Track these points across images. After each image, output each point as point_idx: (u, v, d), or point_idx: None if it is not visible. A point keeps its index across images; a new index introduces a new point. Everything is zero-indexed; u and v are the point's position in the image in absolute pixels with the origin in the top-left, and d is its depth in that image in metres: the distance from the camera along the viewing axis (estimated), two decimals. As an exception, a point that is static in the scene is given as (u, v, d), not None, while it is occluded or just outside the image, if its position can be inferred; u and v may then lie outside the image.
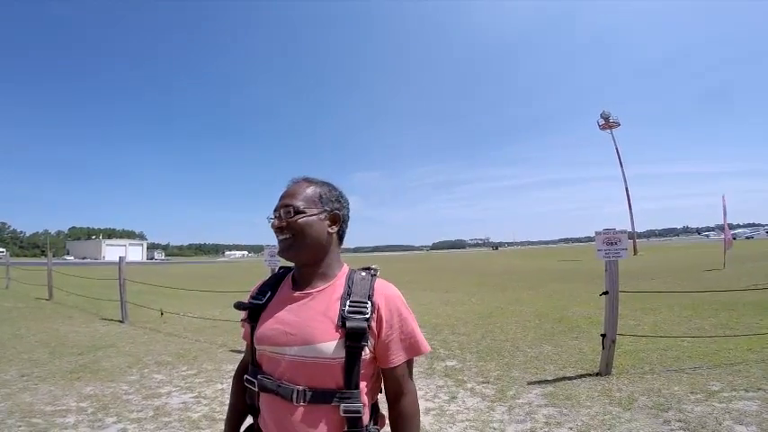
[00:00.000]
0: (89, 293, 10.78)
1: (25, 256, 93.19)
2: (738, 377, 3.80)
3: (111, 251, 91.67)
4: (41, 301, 10.68)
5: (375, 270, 1.10)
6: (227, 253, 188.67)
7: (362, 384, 0.99)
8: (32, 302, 10.41)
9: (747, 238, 57.04)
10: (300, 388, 0.95)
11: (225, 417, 1.21)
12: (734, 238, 19.83)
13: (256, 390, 1.03)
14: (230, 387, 1.22)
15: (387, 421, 1.09)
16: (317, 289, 1.04)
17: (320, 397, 0.95)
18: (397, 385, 1.04)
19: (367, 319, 0.97)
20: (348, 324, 0.96)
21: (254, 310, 1.08)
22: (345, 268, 1.10)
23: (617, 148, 38.98)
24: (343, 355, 0.96)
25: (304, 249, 1.04)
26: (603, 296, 4.27)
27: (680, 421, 2.99)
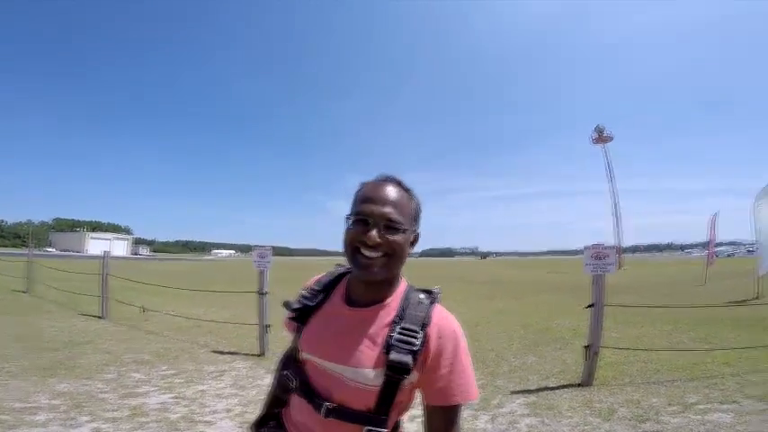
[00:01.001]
0: (69, 287, 10.53)
1: (5, 246, 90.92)
2: (714, 390, 3.88)
3: (95, 245, 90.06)
4: (18, 293, 10.42)
5: (436, 294, 0.99)
6: (214, 251, 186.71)
7: (392, 411, 0.93)
8: (8, 295, 10.14)
9: (729, 255, 58.26)
10: (330, 405, 0.92)
11: (265, 398, 1.17)
12: (716, 256, 20.27)
13: (292, 387, 1.01)
14: (273, 372, 1.17)
15: None
16: (372, 308, 0.96)
17: (349, 417, 0.91)
18: (437, 426, 0.93)
19: (414, 352, 0.88)
20: (391, 356, 0.88)
21: (304, 311, 1.03)
22: (403, 285, 1.01)
23: (608, 163, 39.62)
24: (381, 383, 0.89)
25: (389, 271, 0.94)
26: (588, 308, 4.32)
27: (658, 433, 3.02)
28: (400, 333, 0.90)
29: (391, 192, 0.94)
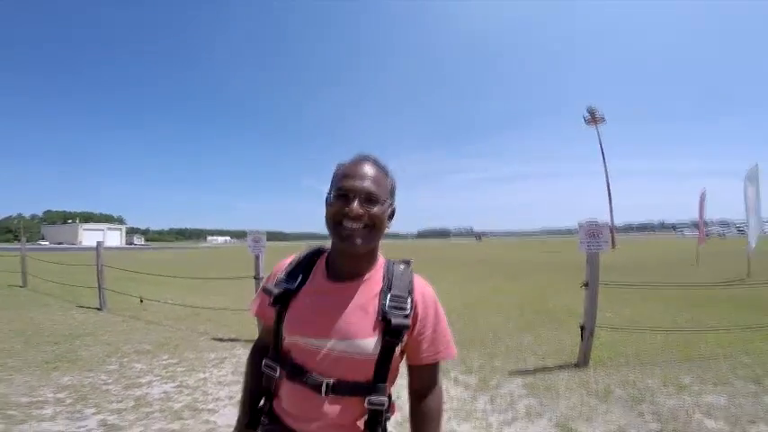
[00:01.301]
0: (65, 280, 10.49)
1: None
2: (708, 371, 3.95)
3: (89, 236, 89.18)
4: (15, 288, 10.33)
5: (412, 264, 1.09)
6: (210, 238, 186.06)
7: (388, 378, 1.00)
8: (5, 290, 10.06)
9: (720, 235, 58.86)
10: (330, 381, 0.95)
11: (240, 398, 1.18)
12: (706, 236, 20.53)
13: (277, 376, 1.02)
14: (245, 368, 1.19)
15: (396, 409, 1.10)
16: (356, 281, 1.01)
17: (349, 390, 0.96)
18: (424, 382, 1.05)
19: (407, 316, 0.97)
20: (393, 321, 0.95)
21: (284, 295, 1.03)
22: (382, 259, 1.08)
23: (601, 143, 39.63)
24: (379, 352, 0.96)
25: (370, 242, 1.00)
26: (583, 288, 4.35)
27: (653, 413, 3.10)
28: (392, 300, 0.97)
29: (369, 169, 1.00)
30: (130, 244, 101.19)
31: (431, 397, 1.05)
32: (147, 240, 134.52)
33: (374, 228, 0.98)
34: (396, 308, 0.97)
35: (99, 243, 8.27)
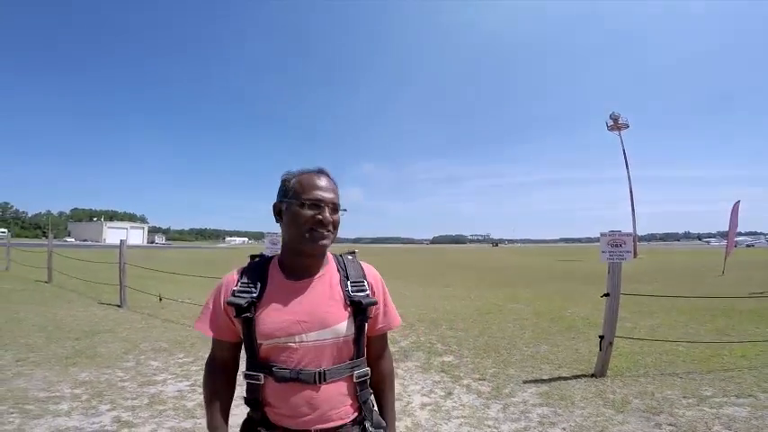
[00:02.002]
0: (88, 277, 10.80)
1: (27, 237, 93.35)
2: (731, 383, 3.82)
3: (113, 234, 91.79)
4: (41, 283, 10.70)
5: (356, 253, 1.28)
6: (228, 239, 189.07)
7: (365, 351, 1.17)
8: (32, 285, 10.42)
9: (748, 246, 56.76)
10: (321, 369, 1.06)
11: (212, 416, 1.15)
12: (735, 246, 19.82)
13: (261, 383, 1.07)
14: (206, 391, 1.18)
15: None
16: (316, 276, 1.14)
17: (339, 372, 1.09)
18: (380, 348, 1.26)
19: (368, 296, 1.15)
20: (363, 301, 1.13)
21: (250, 304, 1.08)
22: (330, 255, 1.23)
23: (624, 151, 38.55)
24: (354, 331, 1.12)
25: (332, 242, 1.15)
26: (603, 297, 4.24)
27: (671, 425, 3.01)
28: (353, 285, 1.15)
29: (330, 181, 1.16)
30: (152, 243, 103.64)
31: (385, 358, 1.27)
32: (167, 239, 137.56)
33: (336, 231, 1.15)
34: (358, 291, 1.14)
35: (122, 241, 8.49)
